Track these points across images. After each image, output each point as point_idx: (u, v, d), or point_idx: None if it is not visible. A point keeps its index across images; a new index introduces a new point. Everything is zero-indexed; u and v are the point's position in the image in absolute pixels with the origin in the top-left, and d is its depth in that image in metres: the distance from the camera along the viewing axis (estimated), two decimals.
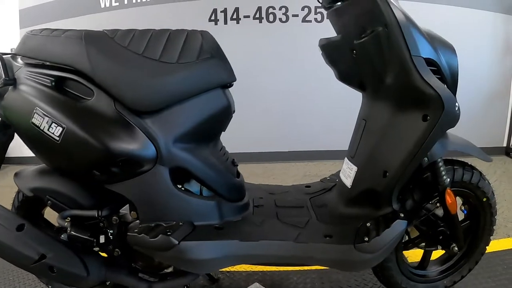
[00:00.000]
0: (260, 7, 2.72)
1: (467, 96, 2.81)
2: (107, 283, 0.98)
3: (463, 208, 1.16)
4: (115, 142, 0.85)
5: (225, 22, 2.75)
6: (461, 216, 1.16)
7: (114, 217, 0.94)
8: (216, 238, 0.92)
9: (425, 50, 0.90)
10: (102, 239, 0.95)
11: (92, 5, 2.87)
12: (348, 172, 1.10)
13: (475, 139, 1.15)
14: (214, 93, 0.94)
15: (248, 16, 2.74)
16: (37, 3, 2.92)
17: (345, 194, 1.09)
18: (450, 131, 1.02)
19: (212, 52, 0.93)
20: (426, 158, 0.96)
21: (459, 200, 1.14)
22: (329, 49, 1.11)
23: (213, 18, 2.75)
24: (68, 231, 0.91)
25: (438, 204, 1.01)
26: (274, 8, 2.72)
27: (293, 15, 2.72)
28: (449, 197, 0.98)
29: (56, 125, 0.84)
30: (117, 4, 2.84)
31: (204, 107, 0.93)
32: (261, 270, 1.35)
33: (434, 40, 0.96)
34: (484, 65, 2.83)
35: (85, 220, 0.93)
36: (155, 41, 0.89)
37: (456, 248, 1.08)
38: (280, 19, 2.74)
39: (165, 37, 0.91)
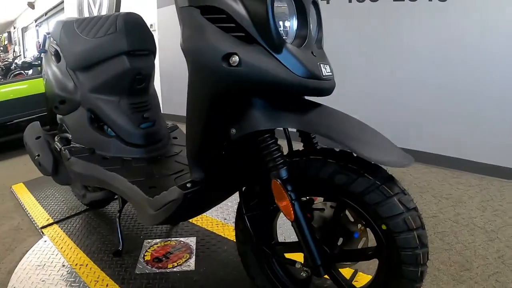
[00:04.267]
0: None
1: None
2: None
3: (359, 228, 0.82)
4: (63, 88, 1.35)
5: None
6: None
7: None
8: (93, 162, 1.21)
9: None
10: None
11: None
12: None
13: None
14: (118, 59, 1.25)
15: None
16: None
17: None
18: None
19: (118, 28, 1.22)
20: (233, 130, 0.75)
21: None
22: None
23: None
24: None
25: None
26: None
27: None
28: (274, 191, 0.74)
29: (44, 77, 1.47)
30: None
31: (110, 69, 1.26)
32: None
33: None
34: None
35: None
36: (93, 24, 1.28)
37: (304, 274, 0.81)
38: None
39: (100, 20, 1.27)
